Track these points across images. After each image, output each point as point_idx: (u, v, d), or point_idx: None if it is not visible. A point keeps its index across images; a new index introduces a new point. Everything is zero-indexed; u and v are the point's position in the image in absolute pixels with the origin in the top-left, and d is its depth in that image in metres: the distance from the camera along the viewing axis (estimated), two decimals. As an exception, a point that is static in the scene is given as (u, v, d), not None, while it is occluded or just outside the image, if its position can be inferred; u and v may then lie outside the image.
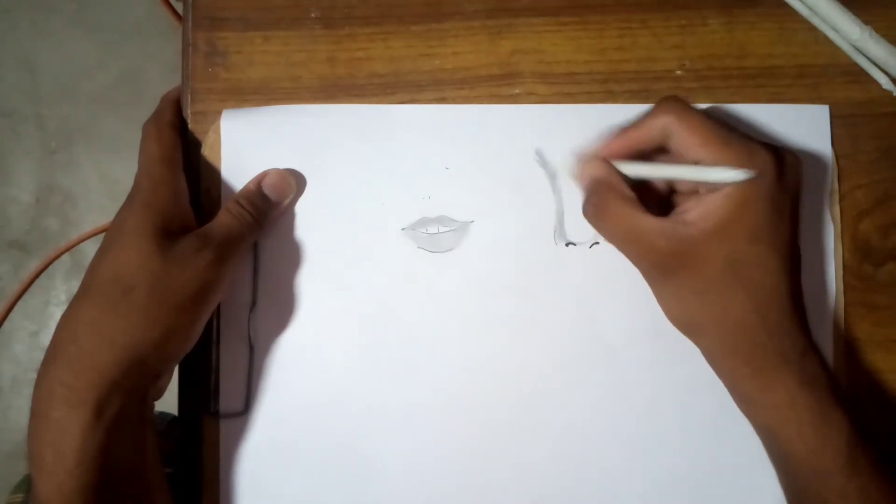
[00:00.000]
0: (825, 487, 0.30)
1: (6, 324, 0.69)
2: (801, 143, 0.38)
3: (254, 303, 0.37)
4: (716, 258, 0.31)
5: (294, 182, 0.37)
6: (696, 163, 0.32)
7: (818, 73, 0.39)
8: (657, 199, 0.35)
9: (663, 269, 0.32)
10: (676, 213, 0.32)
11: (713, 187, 0.31)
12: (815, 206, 0.38)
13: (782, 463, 0.33)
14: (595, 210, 0.34)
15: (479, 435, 0.37)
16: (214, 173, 0.38)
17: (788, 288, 0.31)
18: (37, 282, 0.70)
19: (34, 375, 0.31)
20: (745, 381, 0.32)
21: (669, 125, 0.32)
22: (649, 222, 0.32)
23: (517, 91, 0.39)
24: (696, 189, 0.33)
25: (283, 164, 0.37)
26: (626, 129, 0.34)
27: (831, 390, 0.31)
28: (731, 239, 0.31)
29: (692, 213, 0.31)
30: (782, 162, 0.31)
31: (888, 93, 0.38)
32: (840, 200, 0.38)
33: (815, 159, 0.38)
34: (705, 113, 0.32)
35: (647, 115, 0.33)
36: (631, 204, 0.32)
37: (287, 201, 0.37)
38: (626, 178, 0.33)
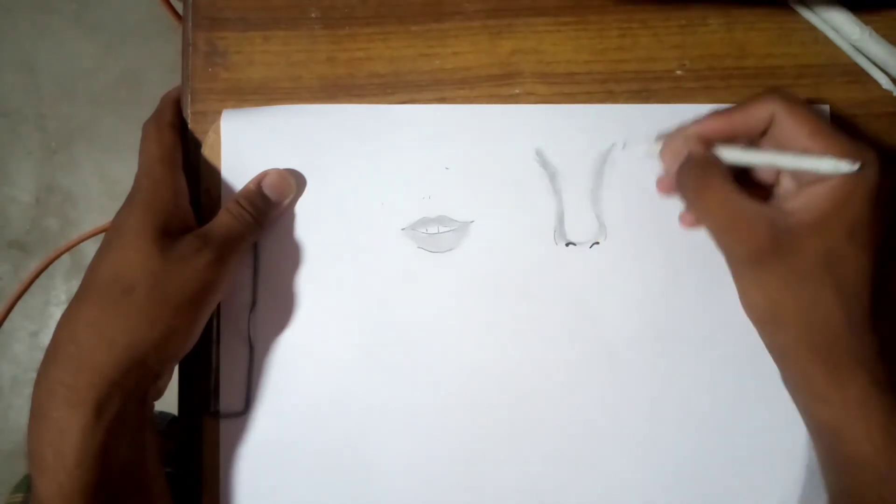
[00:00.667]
0: (888, 491, 0.30)
1: (6, 324, 0.69)
2: (801, 143, 0.38)
3: (254, 303, 0.37)
4: (813, 251, 0.30)
5: (294, 182, 0.37)
6: (798, 152, 0.31)
7: (818, 73, 0.39)
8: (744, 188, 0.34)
9: (756, 257, 0.31)
10: (776, 201, 0.32)
11: (816, 178, 0.31)
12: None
13: (842, 464, 0.32)
14: (696, 185, 0.32)
15: (479, 435, 0.37)
16: (214, 173, 0.38)
17: (872, 286, 0.31)
18: (37, 282, 0.69)
19: (34, 375, 0.31)
20: (818, 377, 0.31)
21: (778, 112, 0.31)
22: (751, 206, 0.31)
23: (517, 91, 0.39)
24: (793, 183, 0.32)
25: (283, 164, 0.37)
26: (725, 111, 0.33)
27: None
28: (830, 233, 0.30)
29: (794, 203, 0.31)
30: (881, 161, 0.31)
31: (888, 93, 0.38)
32: (840, 200, 0.38)
33: (815, 159, 0.38)
34: (811, 106, 0.32)
35: (749, 101, 0.33)
36: (732, 184, 0.31)
37: (287, 201, 0.37)
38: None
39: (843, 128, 0.38)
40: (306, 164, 0.38)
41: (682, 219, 0.37)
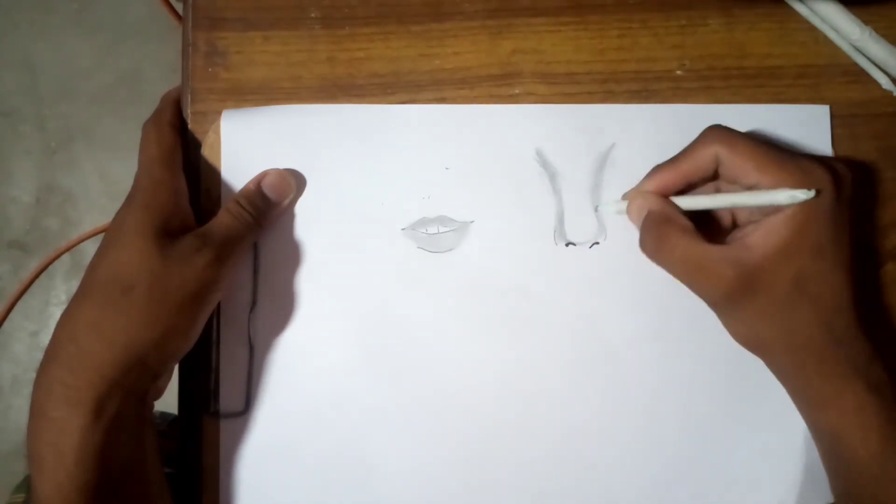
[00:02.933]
0: (885, 492, 0.31)
1: (6, 324, 0.69)
2: (801, 144, 0.38)
3: (254, 303, 0.37)
4: (782, 279, 0.31)
5: (294, 182, 0.37)
6: (750, 188, 0.32)
7: (818, 73, 0.39)
8: (707, 229, 0.35)
9: (730, 297, 0.32)
10: (735, 238, 0.32)
11: (771, 209, 0.31)
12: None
13: (843, 468, 0.33)
14: (655, 244, 0.33)
15: (479, 435, 0.37)
16: (214, 173, 0.38)
17: (851, 298, 0.32)
18: (37, 282, 0.70)
19: (34, 375, 0.31)
20: (814, 388, 0.32)
21: (720, 153, 0.32)
22: (713, 251, 0.31)
23: (517, 91, 0.39)
24: (750, 214, 0.33)
25: (283, 164, 0.37)
26: (672, 162, 0.34)
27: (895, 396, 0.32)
28: (796, 258, 0.31)
29: (754, 237, 0.31)
30: (836, 176, 0.31)
31: (888, 93, 0.38)
32: (840, 200, 0.38)
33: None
34: (750, 135, 0.32)
35: (692, 146, 0.33)
36: (690, 234, 0.32)
37: (287, 201, 0.37)
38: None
39: (843, 128, 0.38)
40: (306, 164, 0.38)
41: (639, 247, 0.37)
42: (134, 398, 0.31)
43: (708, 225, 0.35)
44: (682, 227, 0.32)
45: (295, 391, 0.37)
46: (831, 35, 0.38)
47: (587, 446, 0.37)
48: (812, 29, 0.39)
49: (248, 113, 0.38)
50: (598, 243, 0.38)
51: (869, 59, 0.38)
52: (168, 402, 0.38)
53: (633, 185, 0.36)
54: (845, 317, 0.32)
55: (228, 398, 0.37)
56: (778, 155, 0.31)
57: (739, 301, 0.32)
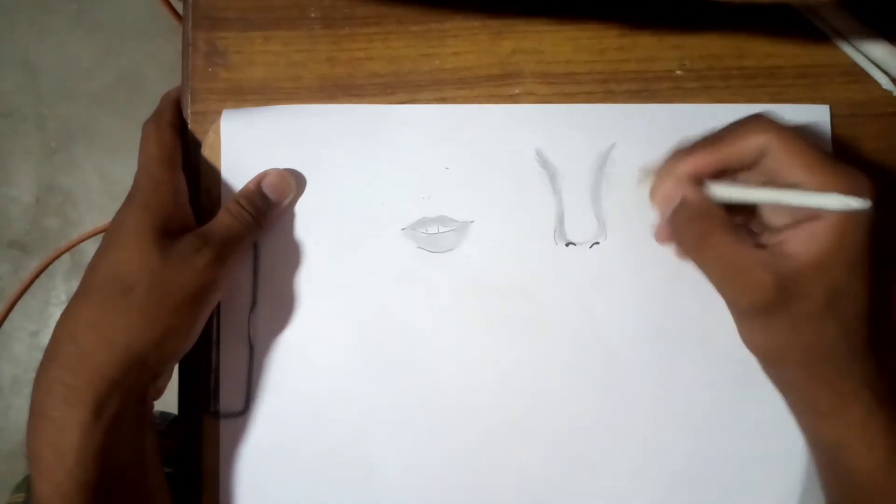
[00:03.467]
0: None
1: (6, 324, 0.69)
2: (801, 143, 0.38)
3: (254, 303, 0.37)
4: (817, 291, 0.30)
5: (294, 182, 0.37)
6: (793, 186, 0.30)
7: (818, 73, 0.39)
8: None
9: (760, 307, 0.31)
10: (772, 243, 0.31)
11: (810, 214, 0.30)
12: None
13: (843, 481, 0.32)
14: (692, 239, 0.31)
15: (478, 435, 0.37)
16: (214, 173, 0.38)
17: (869, 311, 0.31)
18: (37, 282, 0.70)
19: (34, 375, 0.31)
20: (823, 400, 0.32)
21: (769, 144, 0.30)
22: (755, 256, 0.30)
23: (517, 91, 0.39)
24: (782, 218, 0.31)
25: (283, 164, 0.37)
26: (712, 143, 0.32)
27: None
28: (833, 270, 0.30)
29: (794, 244, 0.30)
30: (875, 187, 0.30)
31: (888, 93, 0.38)
32: (840, 200, 0.38)
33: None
34: (801, 133, 0.31)
35: (737, 131, 0.31)
36: (733, 233, 0.30)
37: (287, 201, 0.37)
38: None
39: (843, 128, 0.38)
40: (306, 164, 0.38)
41: (657, 234, 0.36)
42: (134, 398, 0.31)
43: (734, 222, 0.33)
44: (723, 223, 0.31)
45: (295, 391, 0.37)
46: (831, 35, 0.38)
47: (587, 446, 0.37)
48: (812, 29, 0.39)
49: (248, 113, 0.38)
50: (598, 243, 0.38)
51: (869, 59, 0.38)
52: (168, 402, 0.38)
53: (633, 186, 0.36)
54: (863, 330, 0.31)
55: (228, 398, 0.37)
56: (828, 159, 0.30)
57: (771, 310, 0.30)
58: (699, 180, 0.32)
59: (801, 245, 0.30)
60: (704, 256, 0.32)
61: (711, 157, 0.32)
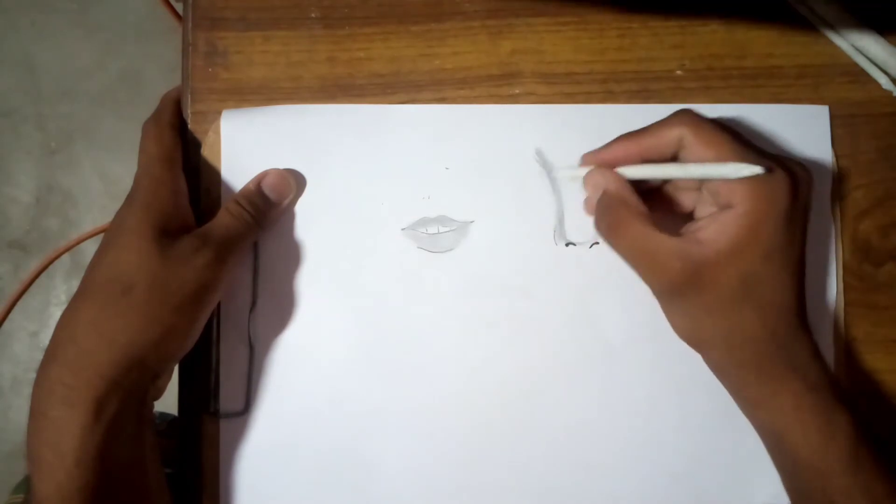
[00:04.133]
0: (830, 486, 0.31)
1: (6, 324, 0.69)
2: (801, 144, 0.38)
3: (254, 303, 0.37)
4: (729, 278, 0.31)
5: (294, 182, 0.37)
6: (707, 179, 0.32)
7: (818, 73, 0.39)
8: (663, 214, 0.35)
9: (675, 290, 0.32)
10: (689, 231, 0.32)
11: (728, 203, 0.31)
12: (816, 207, 0.38)
13: (788, 465, 0.33)
14: (608, 226, 0.33)
15: (478, 435, 0.37)
16: (214, 173, 0.38)
17: (797, 301, 0.32)
18: (37, 282, 0.70)
19: (34, 375, 0.31)
20: (752, 388, 0.32)
21: (685, 136, 0.32)
22: (664, 242, 0.31)
23: (517, 91, 0.39)
24: (707, 208, 0.33)
25: (283, 164, 0.37)
26: (636, 135, 0.33)
27: (835, 393, 0.32)
28: (745, 258, 0.30)
29: (706, 232, 0.31)
30: (795, 178, 0.31)
31: (888, 93, 0.38)
32: (840, 200, 0.38)
33: (815, 159, 0.38)
34: (720, 125, 0.32)
35: (659, 124, 0.33)
36: (645, 220, 0.32)
37: (287, 201, 0.37)
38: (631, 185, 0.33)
39: (843, 128, 0.38)
40: (306, 164, 0.38)
41: (585, 206, 0.37)
42: (134, 398, 0.31)
43: (665, 212, 0.35)
44: (637, 212, 0.32)
45: (295, 391, 0.37)
46: (831, 35, 0.38)
47: (586, 446, 0.37)
48: (812, 29, 0.39)
49: (248, 113, 0.38)
50: (598, 243, 0.38)
51: (869, 59, 0.38)
52: (168, 402, 0.38)
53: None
54: (788, 318, 0.32)
55: (228, 398, 0.37)
56: (741, 147, 0.31)
57: (683, 294, 0.32)
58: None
59: (713, 233, 0.31)
60: (618, 242, 0.33)
61: (632, 146, 0.33)
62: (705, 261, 0.31)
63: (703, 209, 0.33)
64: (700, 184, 0.34)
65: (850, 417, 0.31)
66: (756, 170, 0.29)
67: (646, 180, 0.34)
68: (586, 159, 0.35)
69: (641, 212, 0.32)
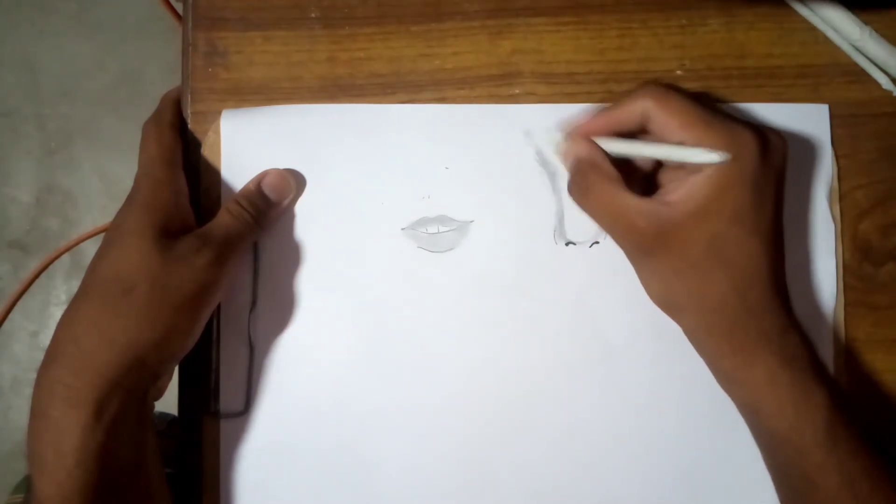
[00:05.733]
0: (806, 462, 0.31)
1: (6, 324, 0.69)
2: (801, 143, 0.38)
3: (254, 303, 0.37)
4: (697, 239, 0.31)
5: (294, 182, 0.37)
6: (677, 144, 0.32)
7: (818, 73, 0.39)
8: (642, 177, 0.35)
9: (644, 249, 0.33)
10: (659, 193, 0.33)
11: (695, 168, 0.31)
12: (816, 206, 0.38)
13: (765, 439, 0.33)
14: (579, 189, 0.34)
15: (479, 434, 0.37)
16: (214, 173, 0.38)
17: (770, 268, 0.32)
18: (37, 282, 0.70)
19: (34, 375, 0.31)
20: (726, 359, 0.33)
21: (648, 109, 0.32)
22: (632, 202, 0.32)
23: (517, 91, 0.39)
24: (681, 168, 0.33)
25: (283, 164, 0.37)
26: (605, 110, 0.34)
27: (812, 367, 0.32)
28: (713, 220, 0.31)
29: (674, 195, 0.32)
30: (766, 143, 0.32)
31: (888, 93, 0.38)
32: (840, 200, 0.38)
33: (815, 159, 0.38)
34: (686, 95, 0.32)
35: (625, 98, 0.33)
36: (614, 183, 0.33)
37: (287, 201, 0.37)
38: (610, 157, 0.34)
39: (843, 128, 0.38)
40: (306, 164, 0.38)
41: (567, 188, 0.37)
42: (134, 399, 0.31)
43: (642, 172, 0.35)
44: (607, 174, 0.33)
45: (295, 391, 0.37)
46: (831, 35, 0.38)
47: (586, 446, 0.37)
48: (812, 29, 0.39)
49: (248, 113, 0.38)
50: (598, 243, 0.38)
51: (869, 59, 0.38)
52: (168, 402, 0.38)
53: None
54: (759, 286, 0.32)
55: (228, 398, 0.37)
56: (707, 116, 0.31)
57: (654, 254, 0.32)
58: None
59: (682, 195, 0.31)
60: (590, 204, 0.34)
61: (603, 120, 0.34)
62: (673, 222, 0.31)
63: (669, 174, 0.34)
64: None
65: (828, 393, 0.31)
66: (723, 158, 0.30)
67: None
68: (564, 131, 0.36)
69: (612, 175, 0.33)
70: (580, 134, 0.35)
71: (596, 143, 0.34)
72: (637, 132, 0.34)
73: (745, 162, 0.31)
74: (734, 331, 0.32)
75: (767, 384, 0.31)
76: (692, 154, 0.31)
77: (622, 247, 0.34)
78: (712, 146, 0.30)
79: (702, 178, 0.31)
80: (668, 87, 0.33)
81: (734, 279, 0.31)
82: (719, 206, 0.31)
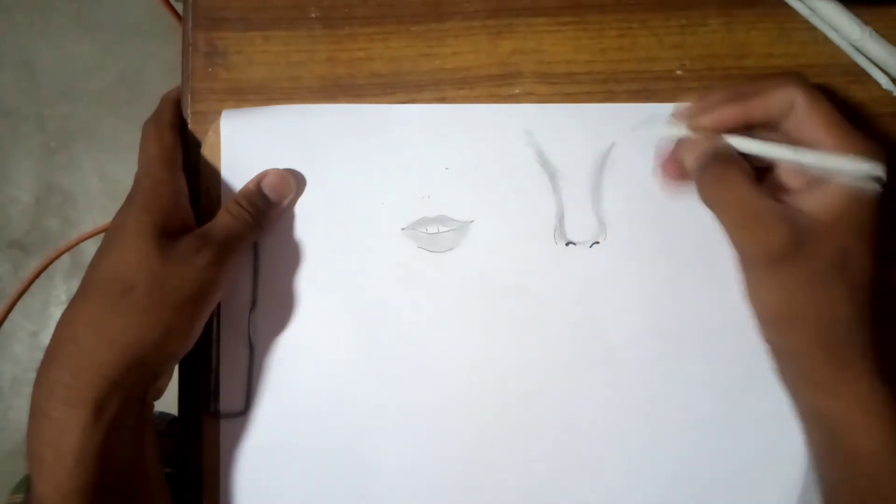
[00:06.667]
0: (887, 484, 0.30)
1: (6, 324, 0.69)
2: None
3: (254, 303, 0.37)
4: (829, 250, 0.30)
5: (294, 182, 0.37)
6: (812, 145, 0.31)
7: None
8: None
9: (773, 255, 0.31)
10: (791, 199, 0.31)
11: (824, 178, 0.30)
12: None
13: (841, 455, 0.32)
14: (715, 180, 0.32)
15: (479, 435, 0.37)
16: (214, 173, 0.38)
17: (875, 285, 0.31)
18: (37, 282, 0.70)
19: (34, 375, 0.31)
20: (825, 371, 0.31)
21: (799, 103, 0.31)
22: (773, 206, 0.30)
23: (517, 91, 0.39)
24: (795, 179, 0.32)
25: (282, 164, 0.37)
26: (739, 98, 0.32)
27: None
28: (846, 233, 0.30)
29: (809, 202, 0.31)
30: (888, 160, 0.31)
31: (888, 93, 0.38)
32: (840, 200, 0.38)
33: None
34: (830, 100, 0.31)
35: (768, 87, 0.32)
36: (753, 182, 0.31)
37: (287, 201, 0.37)
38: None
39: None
40: (306, 164, 0.38)
41: (664, 167, 0.36)
42: (134, 398, 0.31)
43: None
44: (745, 171, 0.31)
45: (295, 391, 0.37)
46: (831, 35, 0.38)
47: (587, 446, 0.37)
48: (812, 29, 0.39)
49: (248, 113, 0.38)
50: (598, 243, 0.38)
51: (869, 59, 0.38)
52: (168, 402, 0.38)
53: (633, 186, 0.36)
54: (867, 302, 0.31)
55: (228, 398, 0.37)
56: (847, 124, 0.31)
57: (782, 263, 0.31)
58: (723, 131, 0.33)
59: (817, 204, 0.30)
60: (723, 199, 0.32)
61: (739, 109, 0.32)
62: (810, 229, 0.30)
63: (791, 180, 0.33)
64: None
65: None
66: (876, 169, 0.29)
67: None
68: (682, 117, 0.34)
69: (750, 172, 0.31)
70: (712, 124, 0.32)
71: (724, 138, 0.32)
72: (765, 127, 0.32)
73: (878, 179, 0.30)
74: (844, 345, 0.31)
75: (865, 398, 0.31)
76: (845, 163, 0.29)
77: (745, 251, 0.32)
78: (857, 155, 0.29)
79: (839, 188, 0.30)
80: (813, 84, 0.31)
81: (854, 294, 0.31)
82: (853, 220, 0.30)
